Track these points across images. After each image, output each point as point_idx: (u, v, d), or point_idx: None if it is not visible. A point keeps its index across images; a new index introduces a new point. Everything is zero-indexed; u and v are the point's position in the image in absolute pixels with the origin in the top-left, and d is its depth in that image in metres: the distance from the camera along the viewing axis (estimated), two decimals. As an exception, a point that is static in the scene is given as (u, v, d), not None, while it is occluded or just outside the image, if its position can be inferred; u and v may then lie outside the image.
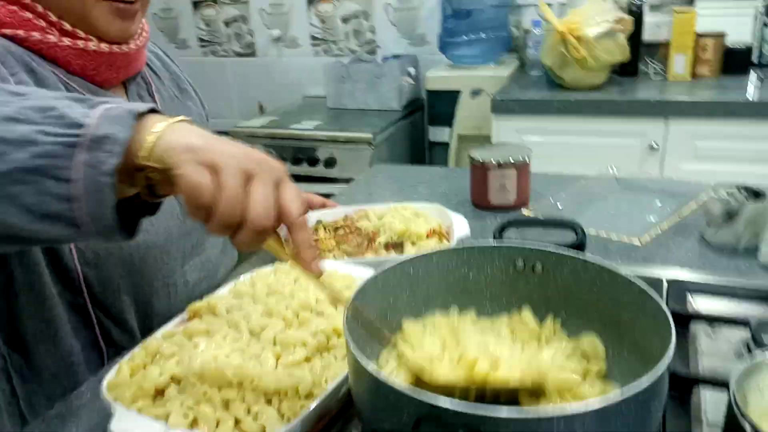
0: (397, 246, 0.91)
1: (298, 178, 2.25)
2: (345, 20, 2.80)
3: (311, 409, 0.56)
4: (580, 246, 0.74)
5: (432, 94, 2.36)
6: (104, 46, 0.75)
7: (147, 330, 0.79)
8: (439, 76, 2.33)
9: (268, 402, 0.58)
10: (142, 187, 0.51)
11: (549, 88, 2.08)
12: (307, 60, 2.93)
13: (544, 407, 0.49)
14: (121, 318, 0.80)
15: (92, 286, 0.76)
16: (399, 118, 2.49)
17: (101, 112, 0.47)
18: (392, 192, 1.28)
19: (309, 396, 0.59)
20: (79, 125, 0.46)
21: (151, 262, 0.79)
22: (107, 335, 0.79)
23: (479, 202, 1.11)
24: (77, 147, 0.46)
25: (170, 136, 0.48)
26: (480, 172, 1.08)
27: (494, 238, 0.79)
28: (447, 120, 2.37)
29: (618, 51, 1.99)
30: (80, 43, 0.73)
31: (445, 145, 2.41)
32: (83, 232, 0.49)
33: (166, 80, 0.92)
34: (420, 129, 2.64)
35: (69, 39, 0.73)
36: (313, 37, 2.89)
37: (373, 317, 0.57)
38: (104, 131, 0.46)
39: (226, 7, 2.99)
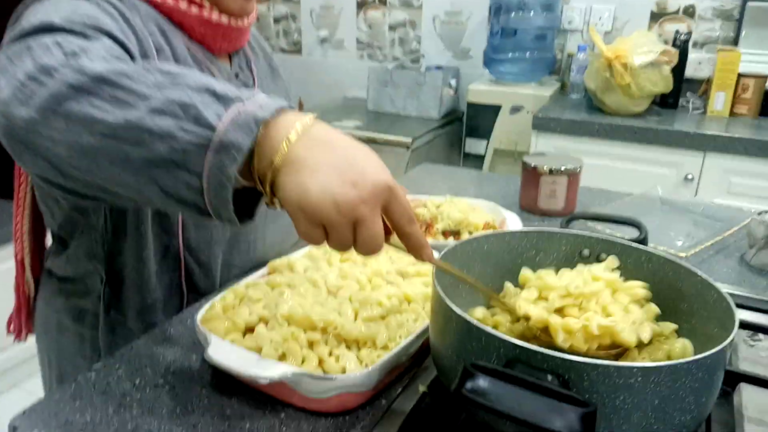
0: (454, 234, 0.96)
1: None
2: (392, 28, 2.88)
3: (388, 357, 0.61)
4: (642, 242, 0.79)
5: (472, 106, 2.42)
6: (224, 19, 0.83)
7: (225, 279, 0.86)
8: (481, 89, 2.39)
9: (348, 348, 0.63)
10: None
11: (589, 111, 2.14)
12: (350, 62, 3.01)
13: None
14: (207, 264, 0.86)
15: (188, 231, 0.83)
16: (437, 127, 2.55)
17: (231, 117, 0.50)
18: (440, 190, 1.33)
19: (385, 348, 0.64)
20: (212, 128, 0.50)
21: None
22: (190, 280, 0.86)
23: (528, 207, 1.17)
24: (207, 148, 0.50)
25: (286, 178, 0.50)
26: (532, 176, 1.14)
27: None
28: (484, 133, 2.43)
29: (661, 82, 2.04)
30: (205, 13, 0.80)
31: (480, 158, 2.47)
32: (209, 217, 0.54)
33: (261, 58, 1.00)
34: (456, 139, 2.70)
35: (196, 8, 0.80)
36: (359, 41, 2.97)
37: (455, 275, 0.62)
38: (230, 138, 0.50)
39: (278, 5, 3.08)
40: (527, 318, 0.59)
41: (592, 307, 0.58)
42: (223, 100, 0.51)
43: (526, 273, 0.66)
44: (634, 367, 0.45)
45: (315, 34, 3.02)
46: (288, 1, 3.06)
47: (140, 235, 0.79)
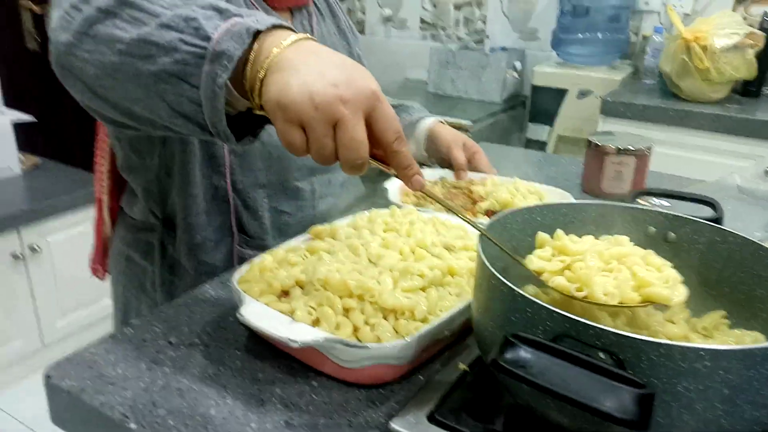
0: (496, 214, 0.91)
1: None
2: (457, 7, 2.81)
3: (427, 329, 0.57)
4: (717, 221, 0.71)
5: (537, 90, 2.32)
6: None
7: (275, 224, 0.88)
8: (548, 72, 2.29)
9: (384, 318, 0.60)
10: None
11: (663, 97, 2.01)
12: (413, 42, 2.96)
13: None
14: (254, 206, 0.87)
15: (235, 172, 0.84)
16: (498, 111, 2.47)
17: (226, 27, 0.52)
18: (499, 171, 1.28)
19: (424, 320, 0.60)
20: (208, 38, 0.52)
21: (285, 162, 0.86)
22: (239, 221, 0.87)
23: (590, 190, 1.10)
24: (204, 58, 0.52)
25: (271, 77, 0.51)
26: (596, 157, 1.06)
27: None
28: (548, 119, 2.34)
29: (744, 67, 1.90)
30: None
31: (543, 144, 2.38)
32: (209, 134, 0.56)
33: (327, 18, 1.00)
34: (518, 125, 2.61)
35: None
36: (423, 21, 2.91)
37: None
38: (222, 47, 0.51)
39: (343, -17, 3.06)
40: (539, 273, 0.54)
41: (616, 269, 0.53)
42: (225, 14, 0.53)
43: (543, 235, 0.59)
44: (701, 349, 0.39)
45: (378, 13, 2.99)
46: (353, -20, 3.03)
47: (187, 174, 0.82)
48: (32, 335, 1.96)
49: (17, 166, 2.04)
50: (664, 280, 0.52)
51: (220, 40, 0.51)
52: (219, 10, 0.54)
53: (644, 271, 0.52)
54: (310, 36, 0.55)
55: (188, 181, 0.83)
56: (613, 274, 0.52)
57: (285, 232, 0.90)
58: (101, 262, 1.02)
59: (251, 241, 0.88)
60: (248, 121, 0.58)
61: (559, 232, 0.59)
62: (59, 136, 2.57)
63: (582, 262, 0.53)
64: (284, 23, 0.55)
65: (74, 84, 0.61)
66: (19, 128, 2.03)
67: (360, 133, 0.50)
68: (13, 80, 2.36)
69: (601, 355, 0.40)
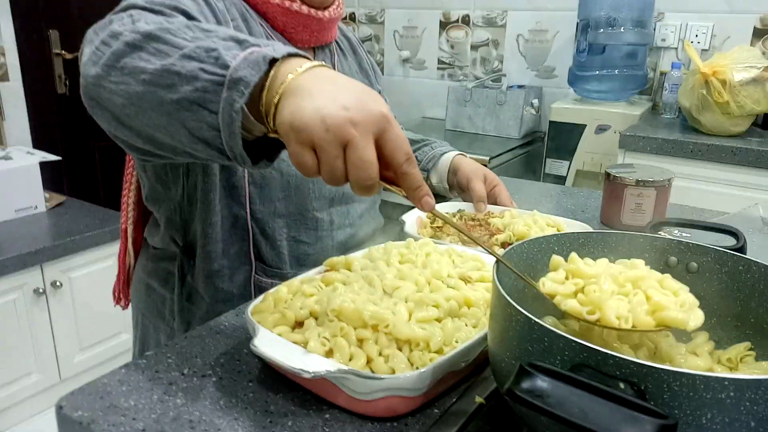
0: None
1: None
2: (474, 47, 2.85)
3: (442, 360, 0.56)
4: (740, 251, 0.70)
5: (555, 125, 2.33)
6: (305, 9, 0.88)
7: (294, 254, 0.89)
8: (565, 108, 2.30)
9: (399, 349, 0.59)
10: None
11: (683, 131, 2.00)
12: (431, 82, 3.00)
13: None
14: (272, 235, 0.88)
15: (254, 202, 0.86)
16: (516, 146, 2.47)
17: (244, 56, 0.54)
18: (516, 203, 1.27)
19: (439, 352, 0.59)
20: (226, 66, 0.54)
21: (304, 193, 0.88)
22: (257, 250, 0.89)
23: (610, 222, 1.08)
24: (222, 85, 0.54)
25: (285, 102, 0.53)
26: (616, 189, 1.05)
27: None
28: (566, 154, 2.33)
29: (764, 100, 1.88)
30: (286, 3, 0.86)
31: (562, 179, 2.36)
32: (226, 158, 0.58)
33: (349, 56, 1.03)
34: (536, 161, 2.61)
35: None
36: (440, 61, 2.96)
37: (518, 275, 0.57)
38: (240, 74, 0.53)
39: (363, 26, 3.13)
40: (551, 296, 0.54)
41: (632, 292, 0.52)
42: (244, 44, 0.56)
43: (557, 258, 0.59)
44: (726, 379, 0.38)
45: (397, 54, 3.04)
46: (373, 23, 3.10)
47: (208, 203, 0.85)
48: (50, 370, 1.97)
49: (42, 204, 2.08)
50: (681, 303, 0.51)
51: (238, 67, 0.54)
52: (238, 41, 0.57)
53: (659, 295, 0.51)
54: (324, 64, 0.56)
55: (209, 210, 0.85)
56: (627, 298, 0.51)
57: (303, 262, 0.91)
58: (124, 291, 1.05)
59: (269, 270, 0.89)
60: (265, 147, 0.60)
61: (573, 255, 0.58)
62: (84, 175, 2.62)
63: (595, 285, 0.52)
64: (300, 52, 0.56)
65: (102, 114, 0.64)
66: (45, 167, 2.08)
67: (369, 154, 0.51)
68: (42, 122, 2.44)
69: (622, 385, 0.39)
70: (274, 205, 0.87)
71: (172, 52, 0.57)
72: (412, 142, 1.19)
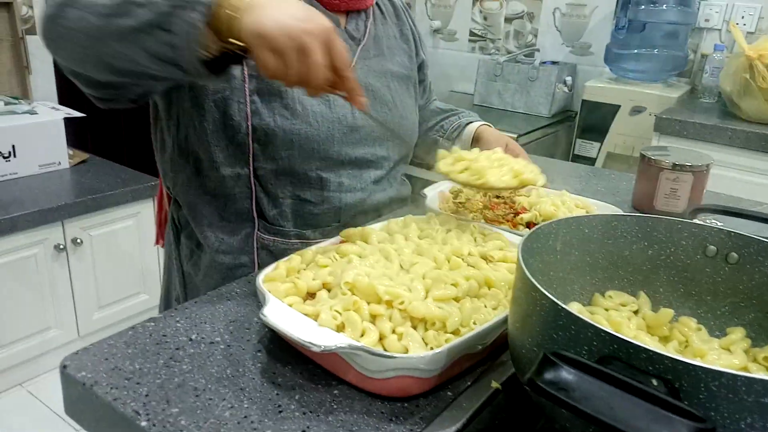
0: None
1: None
2: (508, 20, 2.76)
3: (458, 342, 0.53)
4: (784, 243, 0.65)
5: (587, 105, 2.25)
6: None
7: (298, 212, 0.89)
8: (600, 86, 2.22)
9: (413, 327, 0.56)
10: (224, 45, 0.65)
11: (722, 116, 1.92)
12: (461, 55, 2.92)
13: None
14: (274, 193, 0.88)
15: (258, 160, 0.86)
16: (545, 125, 2.41)
17: None
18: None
19: (455, 333, 0.56)
20: None
21: (309, 151, 0.87)
22: (260, 208, 0.89)
23: (642, 207, 1.03)
24: (180, 8, 0.61)
25: (246, 16, 0.62)
26: (650, 172, 1.00)
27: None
28: (598, 135, 2.26)
29: (812, 88, 1.79)
30: None
31: (591, 161, 2.30)
32: (188, 74, 0.65)
33: (390, 22, 1.02)
34: (566, 141, 2.54)
35: None
36: (472, 33, 2.88)
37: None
38: None
39: (394, -8, 3.05)
40: (447, 174, 0.82)
41: None
42: None
43: (441, 152, 0.86)
44: (771, 383, 0.34)
45: (428, 24, 2.97)
46: (404, -10, 3.02)
47: (210, 161, 0.87)
48: (69, 326, 1.99)
49: (66, 160, 2.08)
50: (531, 170, 0.83)
51: None
52: None
53: (518, 165, 0.83)
54: None
55: (211, 169, 0.88)
56: (499, 171, 0.81)
57: (308, 221, 0.90)
58: (159, 232, 1.11)
59: (270, 227, 0.89)
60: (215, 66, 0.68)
61: (455, 148, 0.88)
62: (108, 133, 2.62)
63: (477, 164, 0.81)
64: None
65: (61, 51, 0.71)
66: (69, 124, 2.07)
67: (321, 59, 0.62)
68: (67, 78, 2.43)
69: (654, 381, 0.36)
70: (277, 163, 0.87)
71: None
72: (442, 111, 1.18)
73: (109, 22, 0.64)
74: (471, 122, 1.11)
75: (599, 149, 2.26)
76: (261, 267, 0.80)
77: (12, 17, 2.15)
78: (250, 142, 0.85)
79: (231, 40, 0.63)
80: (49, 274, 1.90)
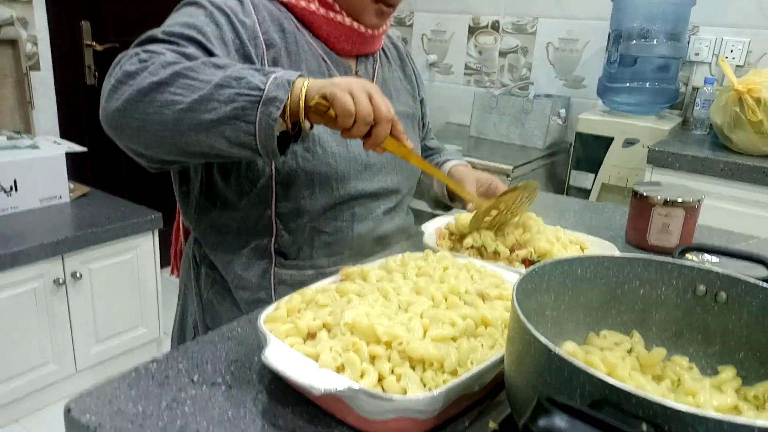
0: (533, 264, 0.88)
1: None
2: (503, 54, 2.82)
3: (456, 383, 0.54)
4: (771, 282, 0.67)
5: (581, 137, 2.29)
6: (348, 21, 0.94)
7: (313, 244, 0.95)
8: (593, 119, 2.26)
9: (412, 368, 0.57)
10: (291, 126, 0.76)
11: (713, 148, 1.95)
12: (457, 87, 2.97)
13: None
14: (295, 230, 0.94)
15: (280, 200, 0.92)
16: (540, 157, 2.44)
17: (272, 81, 0.72)
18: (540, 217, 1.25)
19: (453, 373, 0.57)
20: (260, 89, 0.72)
21: (327, 191, 0.93)
22: (278, 246, 0.95)
23: (635, 242, 1.05)
24: (258, 103, 0.71)
25: (313, 85, 0.73)
26: (642, 207, 1.02)
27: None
28: (592, 167, 2.29)
29: (801, 121, 1.83)
30: (330, 14, 0.94)
31: (586, 192, 2.33)
32: (258, 155, 0.74)
33: (395, 65, 1.09)
34: (560, 172, 2.57)
35: (324, 10, 0.94)
36: (468, 66, 2.93)
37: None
38: (273, 94, 0.71)
39: (391, 28, 3.11)
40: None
41: None
42: (263, 72, 0.74)
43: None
44: (755, 427, 0.35)
45: (424, 58, 3.02)
46: (401, 25, 3.09)
47: (233, 204, 0.94)
48: (67, 360, 1.98)
49: (67, 194, 2.10)
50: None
51: (270, 90, 0.72)
52: (257, 70, 0.74)
53: None
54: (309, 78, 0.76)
55: (233, 210, 0.93)
56: None
57: (321, 250, 0.96)
58: (174, 263, 1.18)
59: (286, 262, 0.95)
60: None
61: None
62: (109, 167, 2.65)
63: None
64: (301, 74, 0.75)
65: (129, 138, 0.78)
66: (70, 158, 2.10)
67: (384, 102, 0.73)
68: (70, 113, 2.46)
69: (644, 426, 0.37)
70: (299, 202, 0.92)
71: (203, 86, 0.72)
72: (428, 148, 1.26)
73: (188, 116, 0.72)
74: (448, 160, 1.18)
75: (594, 180, 2.29)
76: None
77: (17, 54, 2.19)
78: (274, 184, 0.91)
79: (310, 105, 0.73)
80: (48, 309, 1.90)
